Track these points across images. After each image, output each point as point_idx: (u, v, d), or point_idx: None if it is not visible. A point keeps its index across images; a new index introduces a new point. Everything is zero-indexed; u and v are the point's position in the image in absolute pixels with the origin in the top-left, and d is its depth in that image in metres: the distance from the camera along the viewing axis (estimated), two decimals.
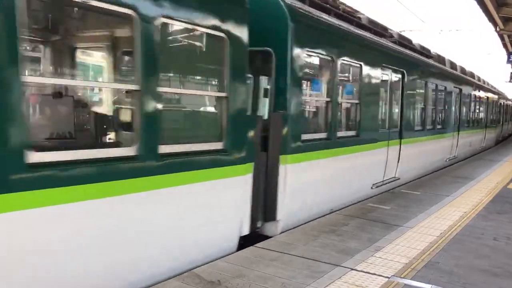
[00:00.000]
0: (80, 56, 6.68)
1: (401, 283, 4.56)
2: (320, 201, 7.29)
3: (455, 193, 9.61)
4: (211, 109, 5.83)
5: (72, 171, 3.52)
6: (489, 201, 8.91)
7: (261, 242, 5.69)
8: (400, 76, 10.40)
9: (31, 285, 3.38)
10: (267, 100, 5.88)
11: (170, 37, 4.90)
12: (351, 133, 8.20)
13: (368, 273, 4.77)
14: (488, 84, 24.77)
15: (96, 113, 5.97)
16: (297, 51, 6.26)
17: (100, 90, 6.41)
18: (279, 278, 4.53)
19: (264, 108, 5.90)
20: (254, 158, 5.54)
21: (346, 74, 8.37)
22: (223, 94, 5.11)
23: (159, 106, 4.23)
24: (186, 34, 5.03)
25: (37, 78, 5.39)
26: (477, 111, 20.34)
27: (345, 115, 8.50)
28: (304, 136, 6.61)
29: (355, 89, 8.51)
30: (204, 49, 5.24)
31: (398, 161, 10.25)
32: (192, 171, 4.64)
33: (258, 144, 5.70)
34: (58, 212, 3.44)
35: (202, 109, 6.01)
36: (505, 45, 25.55)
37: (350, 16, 8.74)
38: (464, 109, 17.03)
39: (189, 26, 4.65)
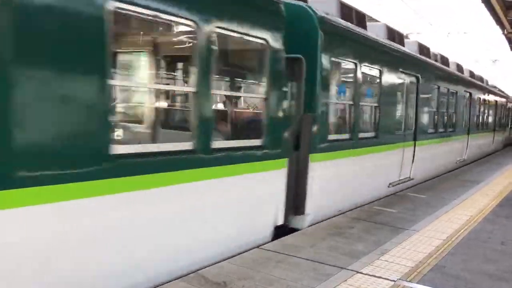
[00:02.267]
0: None
1: (408, 286, 4.55)
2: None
3: (462, 196, 9.56)
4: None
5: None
6: (496, 205, 8.86)
7: (267, 244, 5.71)
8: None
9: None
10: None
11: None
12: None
13: (374, 276, 4.76)
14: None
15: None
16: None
17: None
18: (284, 281, 4.54)
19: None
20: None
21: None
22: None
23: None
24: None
25: None
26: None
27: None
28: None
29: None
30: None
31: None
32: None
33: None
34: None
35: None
36: None
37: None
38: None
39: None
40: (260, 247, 5.58)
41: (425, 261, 5.32)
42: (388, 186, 9.51)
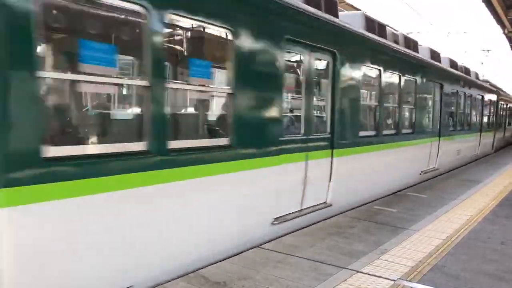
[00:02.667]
0: None
1: (407, 286, 4.55)
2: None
3: (462, 196, 9.56)
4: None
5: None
6: (496, 205, 8.85)
7: (267, 243, 5.70)
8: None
9: None
10: None
11: None
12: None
13: (374, 275, 4.76)
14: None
15: None
16: None
17: None
18: (284, 280, 4.54)
19: None
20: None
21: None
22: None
23: None
24: None
25: None
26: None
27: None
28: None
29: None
30: None
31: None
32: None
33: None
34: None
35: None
36: None
37: None
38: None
39: None
40: (260, 246, 5.58)
41: (425, 260, 5.32)
42: (273, 223, 6.08)
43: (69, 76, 4.23)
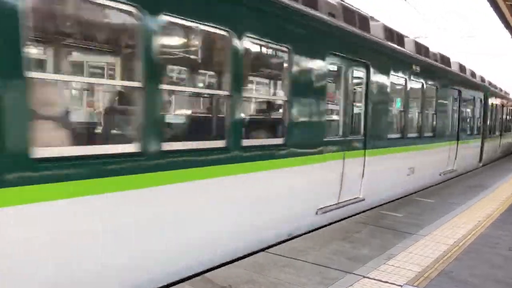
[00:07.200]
0: None
1: None
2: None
3: (469, 202, 9.49)
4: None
5: None
6: (504, 211, 8.78)
7: (273, 248, 5.69)
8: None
9: None
10: None
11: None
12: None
13: (380, 281, 4.73)
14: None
15: None
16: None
17: None
18: (289, 284, 4.52)
19: None
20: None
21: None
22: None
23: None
24: None
25: None
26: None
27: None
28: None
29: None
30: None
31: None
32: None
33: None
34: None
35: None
36: None
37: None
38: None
39: None
40: (265, 250, 5.58)
41: (432, 266, 5.28)
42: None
43: None
